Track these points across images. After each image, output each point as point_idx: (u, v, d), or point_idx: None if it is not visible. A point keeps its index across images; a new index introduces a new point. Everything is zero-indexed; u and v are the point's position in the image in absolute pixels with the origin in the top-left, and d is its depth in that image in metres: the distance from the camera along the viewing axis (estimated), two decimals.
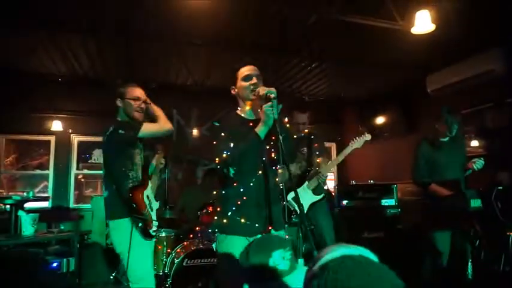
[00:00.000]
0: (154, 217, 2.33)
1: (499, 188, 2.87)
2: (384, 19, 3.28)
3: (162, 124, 2.43)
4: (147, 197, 2.33)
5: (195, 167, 5.47)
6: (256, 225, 1.83)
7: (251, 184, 1.87)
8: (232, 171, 1.90)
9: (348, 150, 3.30)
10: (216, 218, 1.94)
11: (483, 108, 4.16)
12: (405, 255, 4.24)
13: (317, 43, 4.04)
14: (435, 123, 3.11)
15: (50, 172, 5.42)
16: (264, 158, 1.90)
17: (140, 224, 2.19)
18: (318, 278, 0.69)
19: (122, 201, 2.22)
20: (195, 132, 5.73)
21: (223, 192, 1.93)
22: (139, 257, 2.22)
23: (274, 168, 1.96)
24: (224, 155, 1.85)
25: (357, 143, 3.31)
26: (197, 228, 3.73)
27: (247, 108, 2.02)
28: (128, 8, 3.29)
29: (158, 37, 3.86)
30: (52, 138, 5.47)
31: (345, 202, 4.84)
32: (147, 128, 2.33)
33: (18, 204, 3.63)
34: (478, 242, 3.08)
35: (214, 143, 1.93)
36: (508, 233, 2.96)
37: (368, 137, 3.35)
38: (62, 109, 5.39)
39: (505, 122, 3.93)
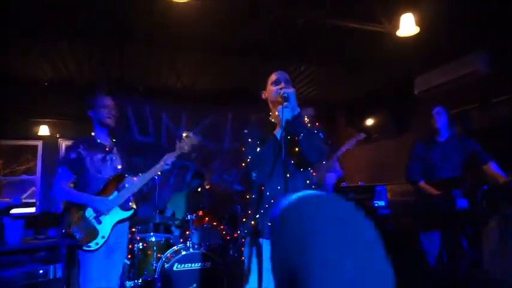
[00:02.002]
0: (99, 229, 2.35)
1: (484, 188, 2.91)
2: (370, 22, 3.32)
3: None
4: (95, 211, 2.37)
5: (185, 171, 5.44)
6: None
7: (278, 187, 1.87)
8: (254, 174, 1.96)
9: (340, 152, 3.38)
10: (244, 220, 2.01)
11: (469, 108, 4.23)
12: (396, 256, 4.27)
13: (305, 47, 4.06)
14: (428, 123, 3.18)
15: (38, 177, 5.34)
16: (292, 161, 1.90)
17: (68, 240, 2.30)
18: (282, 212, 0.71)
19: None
20: (184, 136, 5.70)
21: (252, 196, 2.00)
22: (84, 264, 2.32)
23: (301, 170, 1.95)
24: (248, 160, 1.94)
25: (348, 144, 3.37)
26: (187, 233, 3.71)
27: (277, 112, 2.03)
28: (116, 12, 3.27)
29: (147, 41, 3.84)
30: (39, 143, 5.40)
31: None
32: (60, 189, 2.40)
33: (4, 211, 3.56)
34: (466, 242, 3.12)
35: (243, 149, 2.01)
36: None
37: (361, 136, 3.43)
38: (49, 113, 5.32)
39: (490, 122, 4.00)
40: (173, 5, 2.92)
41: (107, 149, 2.55)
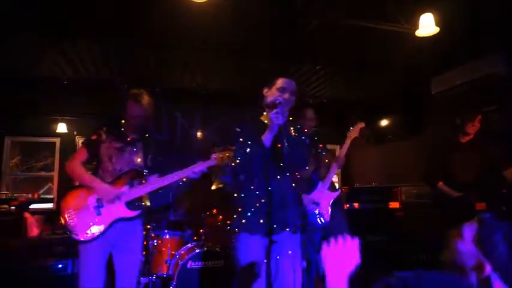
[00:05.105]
0: (96, 221, 2.16)
1: (504, 191, 2.86)
2: (388, 22, 3.29)
3: None
4: (98, 200, 2.19)
5: None
6: (275, 226, 1.87)
7: (269, 188, 1.92)
8: (242, 175, 2.01)
9: (347, 142, 3.26)
10: (235, 217, 2.05)
11: (487, 110, 4.15)
12: (408, 258, 4.22)
13: (321, 46, 4.05)
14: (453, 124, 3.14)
15: (55, 174, 5.46)
16: (281, 164, 1.94)
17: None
18: None
19: None
20: (199, 135, 5.74)
21: (241, 195, 2.04)
22: (80, 260, 2.21)
23: (287, 173, 2.00)
24: (237, 160, 1.96)
25: (353, 133, 3.28)
26: (201, 231, 3.74)
27: (264, 114, 2.12)
28: (132, 13, 3.32)
29: (162, 41, 3.89)
30: (57, 140, 5.52)
31: (348, 205, 4.83)
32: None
33: (24, 206, 3.66)
34: None
35: (234, 148, 2.04)
36: None
37: (361, 124, 3.32)
38: (67, 111, 5.44)
39: (509, 124, 3.92)
40: (188, 5, 2.94)
41: (129, 139, 2.37)
